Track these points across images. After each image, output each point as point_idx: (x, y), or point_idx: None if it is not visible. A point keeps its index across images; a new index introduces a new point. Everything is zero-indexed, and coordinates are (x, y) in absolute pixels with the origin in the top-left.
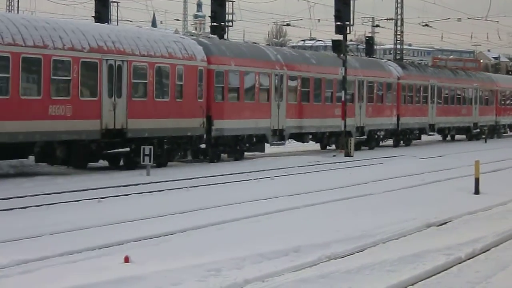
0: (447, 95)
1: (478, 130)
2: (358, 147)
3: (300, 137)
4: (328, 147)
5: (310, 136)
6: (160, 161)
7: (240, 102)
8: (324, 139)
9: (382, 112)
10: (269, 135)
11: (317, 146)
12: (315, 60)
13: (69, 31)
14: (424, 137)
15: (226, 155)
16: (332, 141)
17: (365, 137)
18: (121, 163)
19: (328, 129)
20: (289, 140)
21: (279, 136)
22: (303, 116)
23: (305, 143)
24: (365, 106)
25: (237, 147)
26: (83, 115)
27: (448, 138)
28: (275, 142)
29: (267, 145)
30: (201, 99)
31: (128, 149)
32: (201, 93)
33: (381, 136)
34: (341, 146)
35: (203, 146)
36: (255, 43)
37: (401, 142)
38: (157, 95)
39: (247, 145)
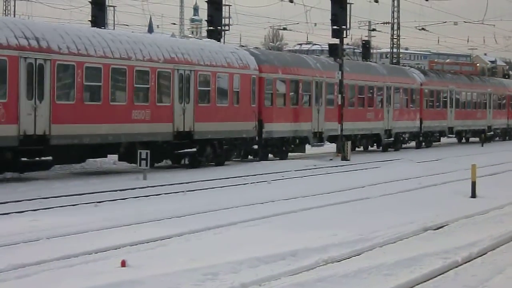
0: (464, 100)
1: (492, 132)
2: (385, 148)
3: (336, 139)
4: (356, 148)
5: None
6: (219, 160)
7: (286, 107)
8: (356, 141)
9: (407, 116)
10: (310, 137)
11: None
12: (349, 68)
13: (147, 44)
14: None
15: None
16: (363, 142)
17: (393, 139)
18: (186, 162)
19: (361, 132)
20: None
21: (319, 138)
22: (339, 119)
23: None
24: (392, 110)
25: (283, 147)
26: (159, 119)
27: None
28: (315, 144)
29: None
30: (253, 104)
31: (195, 149)
32: (253, 99)
33: (406, 138)
34: (338, 150)
35: (255, 147)
36: (294, 51)
37: (423, 144)
38: (218, 101)
39: (292, 146)
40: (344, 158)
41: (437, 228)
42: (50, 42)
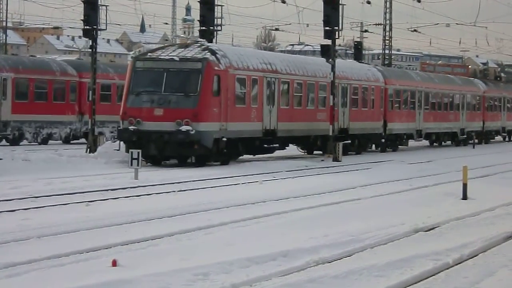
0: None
1: None
2: (458, 143)
3: (428, 136)
4: (434, 144)
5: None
6: (359, 150)
7: (400, 111)
8: (440, 137)
9: (475, 118)
10: (414, 133)
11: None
12: (438, 80)
13: (323, 65)
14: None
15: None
16: (445, 139)
17: (465, 136)
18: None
19: (444, 130)
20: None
21: (419, 134)
22: (431, 120)
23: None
24: (465, 113)
25: (396, 142)
26: (327, 119)
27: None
28: (417, 139)
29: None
30: (381, 108)
31: (349, 141)
32: (382, 104)
33: (474, 136)
34: (329, 151)
35: (383, 140)
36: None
37: (483, 141)
38: (363, 106)
39: (403, 140)
40: (336, 159)
41: (428, 230)
42: (277, 66)
